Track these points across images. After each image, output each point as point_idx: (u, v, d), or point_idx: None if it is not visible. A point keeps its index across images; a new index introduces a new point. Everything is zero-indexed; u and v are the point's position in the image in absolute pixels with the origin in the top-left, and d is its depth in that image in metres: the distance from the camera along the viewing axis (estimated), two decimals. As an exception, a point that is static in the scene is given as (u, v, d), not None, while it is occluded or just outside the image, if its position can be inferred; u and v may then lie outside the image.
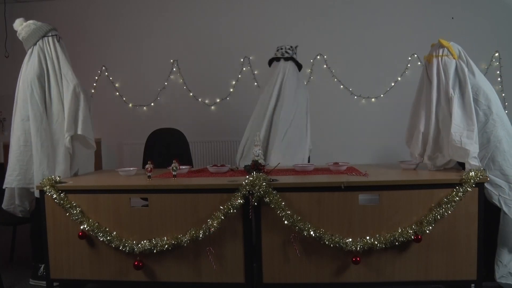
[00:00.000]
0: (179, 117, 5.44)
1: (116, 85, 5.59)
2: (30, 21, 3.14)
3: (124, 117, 5.62)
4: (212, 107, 5.52)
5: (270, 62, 3.89)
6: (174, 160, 2.92)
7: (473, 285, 2.68)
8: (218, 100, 5.50)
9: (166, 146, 4.19)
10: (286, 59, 3.76)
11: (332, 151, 5.07)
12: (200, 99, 5.52)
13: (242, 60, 5.43)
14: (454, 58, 2.93)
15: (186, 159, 4.07)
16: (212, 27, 5.47)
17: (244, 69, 5.43)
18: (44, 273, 3.13)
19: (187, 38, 5.51)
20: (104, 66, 5.58)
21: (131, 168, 3.30)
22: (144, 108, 5.58)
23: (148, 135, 4.33)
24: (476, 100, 2.85)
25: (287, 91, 3.62)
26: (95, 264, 2.75)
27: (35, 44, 3.10)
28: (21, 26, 3.12)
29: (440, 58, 2.96)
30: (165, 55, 5.54)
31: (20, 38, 3.15)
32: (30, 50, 3.12)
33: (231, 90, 5.46)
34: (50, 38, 3.13)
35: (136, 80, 5.58)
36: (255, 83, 5.40)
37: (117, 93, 5.58)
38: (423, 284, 2.70)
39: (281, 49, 3.81)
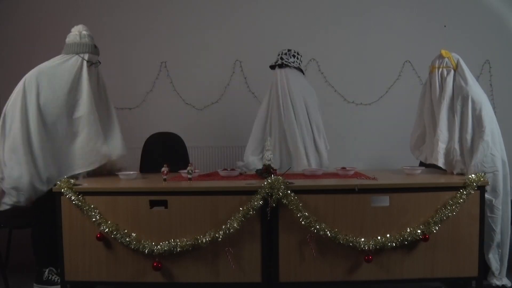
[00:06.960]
0: (167, 121, 5.55)
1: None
2: (84, 33, 3.42)
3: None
4: (202, 111, 5.72)
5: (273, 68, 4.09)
6: (190, 163, 3.21)
7: (473, 281, 3.09)
8: (207, 104, 5.71)
9: (164, 150, 4.45)
10: (280, 66, 3.98)
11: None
12: (188, 103, 5.71)
13: (233, 63, 5.68)
14: (453, 69, 3.35)
15: (185, 163, 4.32)
16: (203, 30, 5.66)
17: (234, 72, 5.68)
18: (50, 277, 3.36)
19: (176, 40, 5.68)
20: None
21: (131, 172, 3.55)
22: (129, 110, 5.74)
23: (146, 139, 4.58)
24: (461, 109, 3.27)
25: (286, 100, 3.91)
26: (112, 266, 2.96)
27: (72, 55, 3.37)
28: (72, 32, 3.42)
29: (439, 69, 3.37)
30: (153, 57, 5.68)
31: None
32: (68, 56, 3.38)
33: (221, 94, 5.70)
34: (81, 61, 3.38)
35: (121, 81, 5.63)
36: (247, 87, 5.68)
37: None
38: (428, 281, 3.09)
39: (278, 54, 4.03)
